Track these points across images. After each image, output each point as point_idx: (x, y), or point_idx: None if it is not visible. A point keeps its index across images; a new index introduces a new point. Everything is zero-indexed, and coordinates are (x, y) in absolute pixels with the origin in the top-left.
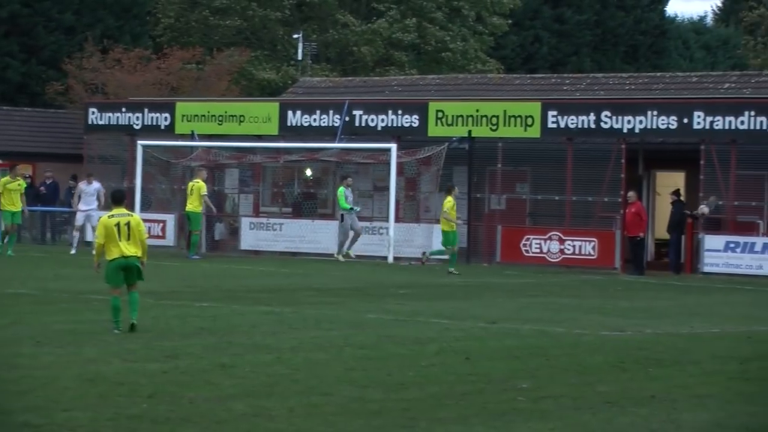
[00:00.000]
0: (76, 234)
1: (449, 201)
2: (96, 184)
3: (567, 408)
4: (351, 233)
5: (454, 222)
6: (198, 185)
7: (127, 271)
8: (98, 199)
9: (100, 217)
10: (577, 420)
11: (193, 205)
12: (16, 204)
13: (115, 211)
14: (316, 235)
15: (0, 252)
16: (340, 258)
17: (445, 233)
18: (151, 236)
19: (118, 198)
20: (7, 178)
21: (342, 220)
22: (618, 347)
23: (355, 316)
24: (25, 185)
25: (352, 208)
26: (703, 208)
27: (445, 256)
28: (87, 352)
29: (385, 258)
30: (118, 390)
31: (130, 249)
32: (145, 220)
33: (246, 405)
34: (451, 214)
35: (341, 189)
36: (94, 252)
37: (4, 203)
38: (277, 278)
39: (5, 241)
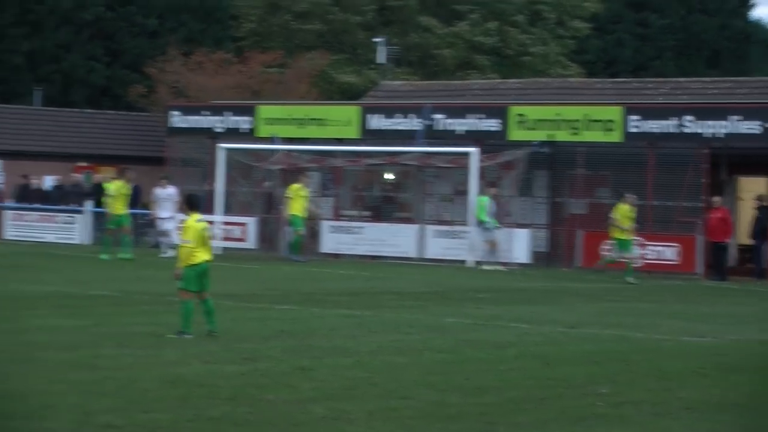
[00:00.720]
0: (162, 239)
1: (620, 208)
2: (170, 189)
3: (647, 414)
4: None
5: (622, 229)
6: (291, 187)
7: (206, 276)
8: (174, 203)
9: (184, 221)
10: (657, 426)
11: (291, 208)
12: (124, 207)
13: (197, 216)
14: (396, 239)
15: (126, 256)
16: (486, 267)
17: (618, 240)
18: (232, 239)
19: (196, 203)
20: (120, 183)
21: (484, 228)
22: (699, 353)
23: (434, 320)
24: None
25: (485, 222)
26: None
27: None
28: (167, 354)
29: (464, 262)
30: (198, 392)
31: (209, 254)
32: (226, 223)
33: (325, 408)
34: (623, 222)
35: (484, 198)
36: (169, 254)
37: (115, 206)
38: (357, 281)
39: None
